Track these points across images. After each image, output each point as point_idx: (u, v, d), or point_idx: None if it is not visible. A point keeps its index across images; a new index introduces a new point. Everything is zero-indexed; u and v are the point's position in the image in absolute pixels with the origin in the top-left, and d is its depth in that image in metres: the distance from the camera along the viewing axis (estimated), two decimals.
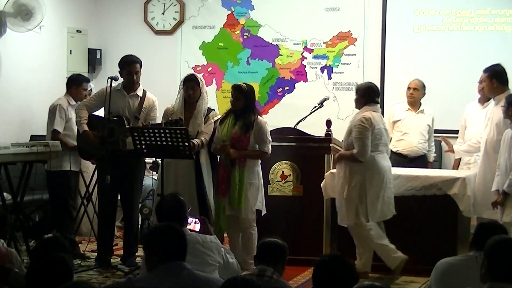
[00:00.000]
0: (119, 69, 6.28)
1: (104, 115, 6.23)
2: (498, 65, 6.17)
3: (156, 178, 7.41)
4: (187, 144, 5.63)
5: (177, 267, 3.27)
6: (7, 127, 7.46)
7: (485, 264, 3.10)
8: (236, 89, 6.04)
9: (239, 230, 6.05)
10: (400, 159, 6.98)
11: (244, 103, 5.97)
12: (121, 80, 6.28)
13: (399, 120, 7.13)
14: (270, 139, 6.02)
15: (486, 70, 6.13)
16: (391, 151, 6.92)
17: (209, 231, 4.37)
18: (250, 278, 2.92)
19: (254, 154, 6.00)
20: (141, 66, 6.29)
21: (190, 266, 3.32)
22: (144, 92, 6.29)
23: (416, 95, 7.08)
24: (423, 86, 7.12)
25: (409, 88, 7.13)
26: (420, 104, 7.16)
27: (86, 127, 6.16)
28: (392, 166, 6.60)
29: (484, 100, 6.52)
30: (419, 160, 7.03)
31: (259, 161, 6.07)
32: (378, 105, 6.10)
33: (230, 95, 6.10)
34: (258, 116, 6.02)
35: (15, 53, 7.66)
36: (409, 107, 7.13)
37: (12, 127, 7.55)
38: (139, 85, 6.31)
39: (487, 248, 3.13)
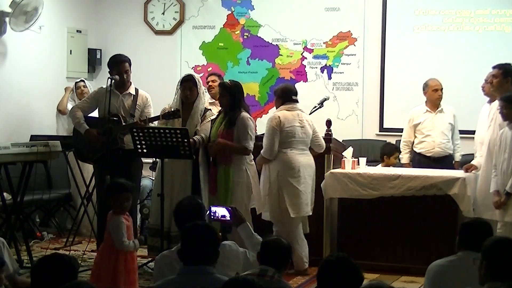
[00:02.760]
0: (108, 70, 6.26)
1: (99, 115, 6.23)
2: (510, 64, 6.12)
3: (153, 178, 7.43)
4: (187, 144, 5.61)
5: (204, 271, 3.27)
6: (7, 127, 7.47)
7: (484, 265, 3.10)
8: (220, 86, 6.06)
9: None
10: (423, 160, 6.98)
11: (230, 99, 5.92)
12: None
13: (419, 123, 7.08)
14: (253, 136, 5.91)
15: (500, 67, 6.05)
16: (415, 152, 7.01)
17: (241, 219, 4.25)
18: (251, 278, 2.92)
19: (234, 147, 5.90)
20: (130, 64, 6.26)
21: (215, 271, 3.32)
22: (137, 90, 6.27)
23: (442, 95, 7.05)
24: None
25: (436, 90, 7.03)
26: (439, 103, 7.10)
27: (87, 126, 6.15)
28: (416, 167, 6.81)
29: (492, 99, 6.45)
30: (444, 160, 6.93)
31: (248, 159, 5.96)
32: (297, 103, 6.20)
33: None
34: (243, 112, 5.92)
35: (15, 53, 7.66)
36: (428, 109, 7.07)
37: (12, 127, 7.55)
38: (131, 83, 6.29)
39: (486, 249, 3.13)
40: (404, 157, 7.17)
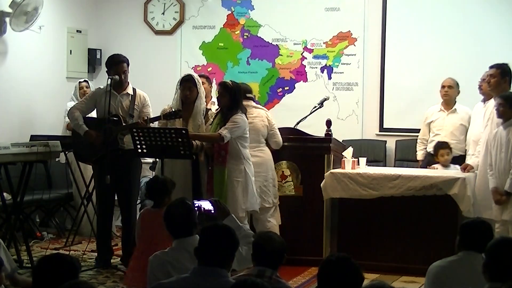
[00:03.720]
0: (106, 69, 6.25)
1: (98, 115, 6.23)
2: (507, 64, 6.13)
3: None
4: (187, 144, 5.61)
5: (218, 274, 3.24)
6: (7, 127, 7.47)
7: (484, 264, 3.10)
8: (221, 85, 6.03)
9: None
10: (433, 160, 6.93)
11: (229, 100, 5.89)
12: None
13: (432, 122, 7.06)
14: (235, 129, 5.77)
15: (498, 67, 6.05)
16: (426, 151, 7.05)
17: (225, 211, 4.19)
18: (259, 280, 2.89)
19: (205, 137, 5.93)
20: (128, 65, 6.24)
21: (228, 274, 3.28)
22: (134, 90, 6.26)
23: (450, 93, 6.97)
24: (457, 84, 7.00)
25: (443, 86, 6.99)
26: (455, 103, 7.03)
27: (86, 128, 6.14)
28: (426, 167, 6.81)
29: (487, 98, 6.47)
30: (455, 161, 6.80)
31: (248, 159, 5.93)
32: (251, 100, 6.33)
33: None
34: (240, 113, 5.86)
35: (15, 53, 7.66)
36: (442, 108, 7.03)
37: (12, 127, 7.56)
38: (128, 83, 6.28)
39: (488, 248, 3.13)
40: (419, 154, 7.16)
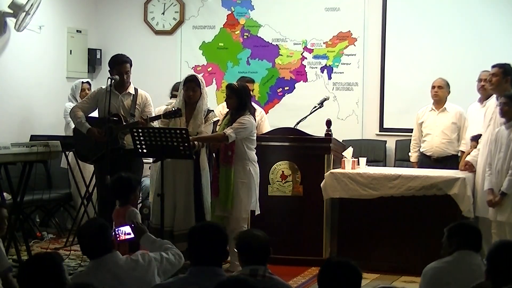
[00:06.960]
0: (109, 69, 6.26)
1: (99, 115, 6.22)
2: (509, 64, 6.13)
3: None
4: (187, 144, 5.61)
5: (214, 273, 3.25)
6: (7, 127, 7.46)
7: (487, 270, 3.09)
8: (228, 87, 6.05)
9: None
10: (426, 160, 6.96)
11: (237, 101, 5.91)
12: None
13: (423, 122, 7.06)
14: (242, 130, 5.80)
15: (501, 66, 6.06)
16: (420, 151, 7.03)
17: (142, 230, 4.18)
18: (243, 277, 2.90)
19: (209, 137, 5.94)
20: (131, 65, 6.26)
21: (224, 273, 3.30)
22: (136, 90, 6.27)
23: (440, 93, 6.96)
24: (447, 85, 7.00)
25: (433, 87, 6.99)
26: (445, 103, 7.02)
27: (88, 125, 6.14)
28: (419, 167, 6.86)
29: (484, 98, 6.49)
30: (448, 161, 6.85)
31: (253, 160, 5.96)
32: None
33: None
34: (247, 114, 5.88)
35: (15, 53, 7.66)
36: (432, 107, 7.03)
37: (12, 127, 7.55)
38: (130, 83, 6.29)
39: (489, 254, 3.13)
40: (413, 155, 7.15)
